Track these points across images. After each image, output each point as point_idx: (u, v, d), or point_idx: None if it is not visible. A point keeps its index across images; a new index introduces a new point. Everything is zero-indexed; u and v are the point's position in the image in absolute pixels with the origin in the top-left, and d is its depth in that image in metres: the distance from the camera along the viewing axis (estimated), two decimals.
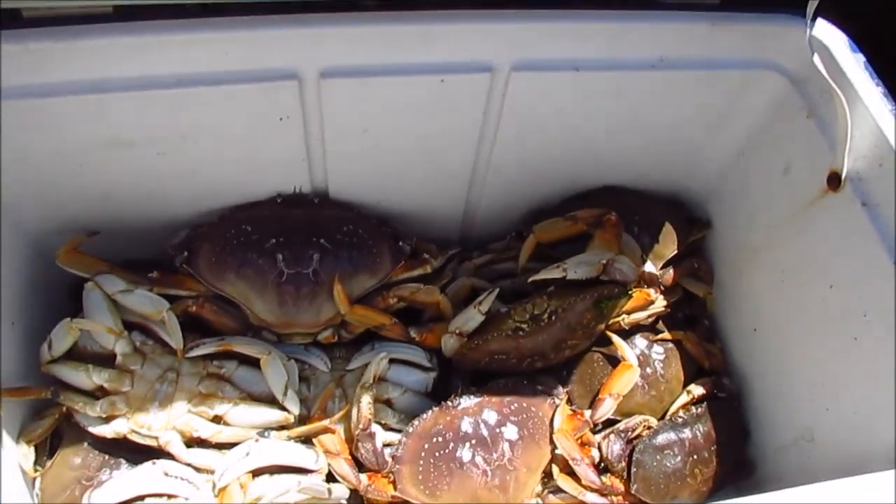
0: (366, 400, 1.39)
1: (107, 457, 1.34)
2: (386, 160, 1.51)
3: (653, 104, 1.48)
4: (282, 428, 1.40)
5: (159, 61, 1.22)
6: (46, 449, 1.37)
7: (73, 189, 1.39)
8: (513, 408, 1.44)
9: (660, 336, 1.57)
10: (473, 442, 1.40)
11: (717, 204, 1.67)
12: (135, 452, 1.34)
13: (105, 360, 1.36)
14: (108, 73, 1.21)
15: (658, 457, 1.43)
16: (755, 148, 1.51)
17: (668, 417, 1.51)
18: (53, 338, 1.32)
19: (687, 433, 1.46)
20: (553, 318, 1.43)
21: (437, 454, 1.39)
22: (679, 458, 1.44)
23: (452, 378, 1.56)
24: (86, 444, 1.34)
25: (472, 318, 1.48)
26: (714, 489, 1.48)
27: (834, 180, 1.27)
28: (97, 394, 1.34)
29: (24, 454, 1.32)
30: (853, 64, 1.26)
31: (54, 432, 1.37)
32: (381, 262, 1.53)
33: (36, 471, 1.33)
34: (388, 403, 1.49)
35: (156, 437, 1.32)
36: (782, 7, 1.37)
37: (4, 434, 1.26)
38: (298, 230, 1.49)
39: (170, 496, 1.27)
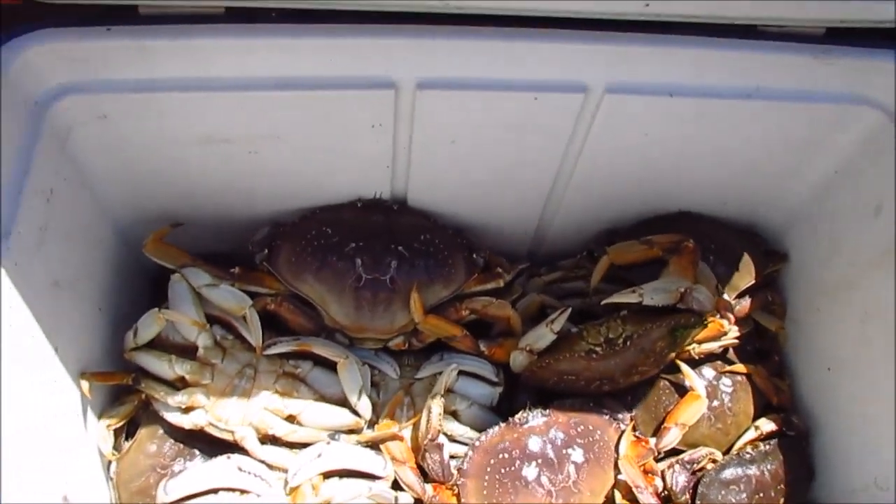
0: (436, 410, 1.40)
1: (182, 447, 1.37)
2: (468, 172, 1.51)
3: (742, 133, 1.46)
4: (351, 432, 1.42)
5: (264, 64, 1.24)
6: (124, 434, 1.40)
7: (163, 181, 1.42)
8: (580, 430, 1.44)
9: (729, 368, 1.56)
10: (540, 461, 1.40)
11: (796, 237, 1.65)
12: (209, 445, 1.37)
13: (185, 351, 1.38)
14: (213, 73, 1.23)
15: (724, 492, 1.42)
16: (844, 184, 1.49)
17: (734, 452, 1.50)
18: (140, 326, 1.35)
19: (754, 470, 1.45)
20: (628, 343, 1.43)
21: (502, 470, 1.39)
22: (744, 494, 1.43)
23: (517, 394, 1.56)
24: (162, 432, 1.37)
25: (543, 336, 1.47)
26: None
27: None
28: (177, 384, 1.37)
29: (102, 437, 1.35)
30: None
31: (132, 419, 1.40)
32: (455, 273, 1.53)
33: (113, 455, 1.36)
34: (455, 415, 1.49)
35: (232, 432, 1.34)
36: (887, 41, 1.35)
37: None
38: (377, 236, 1.50)
39: (243, 491, 1.29)
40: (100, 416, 1.37)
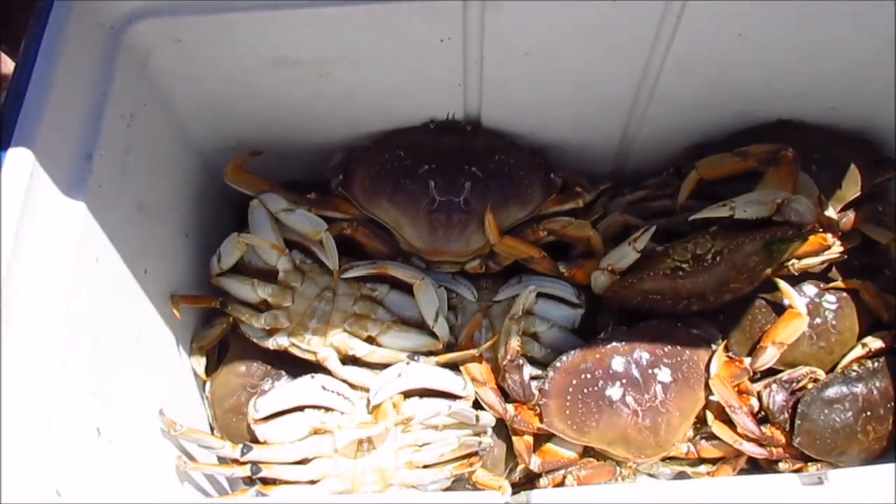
0: (514, 331, 1.38)
1: (269, 367, 1.41)
2: (544, 87, 1.44)
3: (848, 28, 1.32)
4: (430, 353, 1.42)
5: None
6: (216, 355, 1.46)
7: (239, 107, 1.43)
8: (666, 350, 1.39)
9: (833, 284, 1.45)
10: (624, 381, 1.36)
11: None
12: (294, 365, 1.40)
13: (268, 275, 1.42)
14: None
15: (826, 410, 1.34)
16: None
17: (839, 370, 1.41)
18: (222, 251, 1.39)
19: (861, 388, 1.35)
20: (717, 258, 1.35)
21: (585, 390, 1.36)
22: (850, 413, 1.34)
23: (600, 316, 1.52)
24: (250, 353, 1.42)
25: (626, 255, 1.41)
26: (887, 448, 1.37)
27: None
28: (261, 307, 1.41)
29: (196, 359, 1.42)
30: None
31: (222, 342, 1.46)
32: (531, 193, 1.49)
33: (206, 375, 1.42)
34: (535, 337, 1.47)
35: (314, 352, 1.37)
36: None
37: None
38: (451, 158, 1.46)
39: (327, 409, 1.32)
40: (192, 339, 1.43)
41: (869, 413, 1.35)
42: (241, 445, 1.30)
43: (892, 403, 1.36)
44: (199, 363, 1.41)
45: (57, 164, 1.05)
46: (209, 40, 1.26)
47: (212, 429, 1.41)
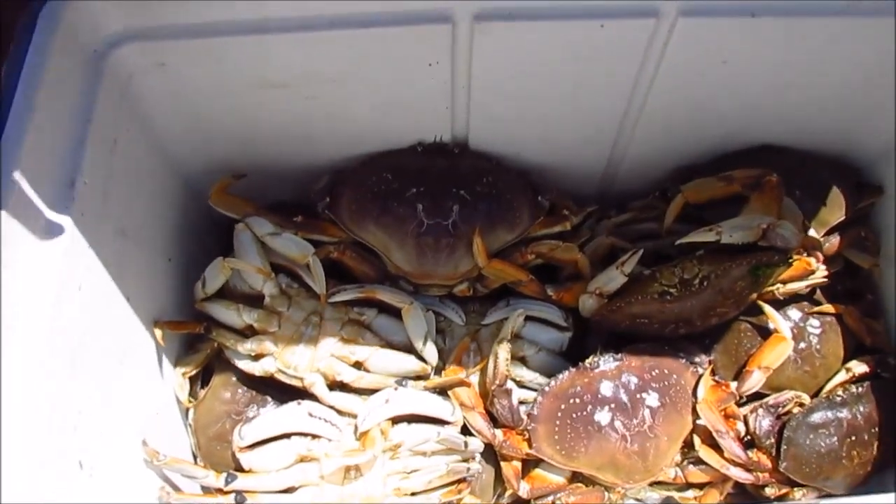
0: (503, 355, 1.37)
1: (254, 393, 1.39)
2: (531, 109, 1.45)
3: (832, 54, 1.34)
4: (418, 378, 1.41)
5: (314, 2, 1.20)
6: (199, 381, 1.44)
7: (225, 130, 1.42)
8: (654, 374, 1.39)
9: (817, 308, 1.47)
10: (613, 406, 1.36)
11: (890, 167, 1.52)
12: (280, 391, 1.39)
13: (253, 300, 1.40)
14: (267, 13, 1.20)
15: (812, 435, 1.35)
16: None
17: (824, 395, 1.42)
18: (207, 275, 1.36)
19: (846, 413, 1.37)
20: (705, 283, 1.35)
21: (574, 415, 1.36)
22: (835, 438, 1.35)
23: (588, 339, 1.52)
24: (235, 379, 1.40)
25: (613, 278, 1.42)
26: (872, 473, 1.38)
27: None
28: (246, 332, 1.39)
29: (179, 385, 1.39)
30: None
31: (206, 367, 1.44)
32: (519, 216, 1.49)
33: (190, 402, 1.40)
34: (523, 361, 1.47)
35: (301, 378, 1.36)
36: None
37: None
38: (438, 180, 1.46)
39: (314, 436, 1.31)
40: (175, 365, 1.40)
41: (854, 438, 1.36)
42: (225, 474, 1.28)
43: (876, 429, 1.37)
44: (183, 390, 1.38)
45: (40, 192, 1.03)
46: (193, 64, 1.25)
47: (195, 457, 1.39)
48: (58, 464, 1.02)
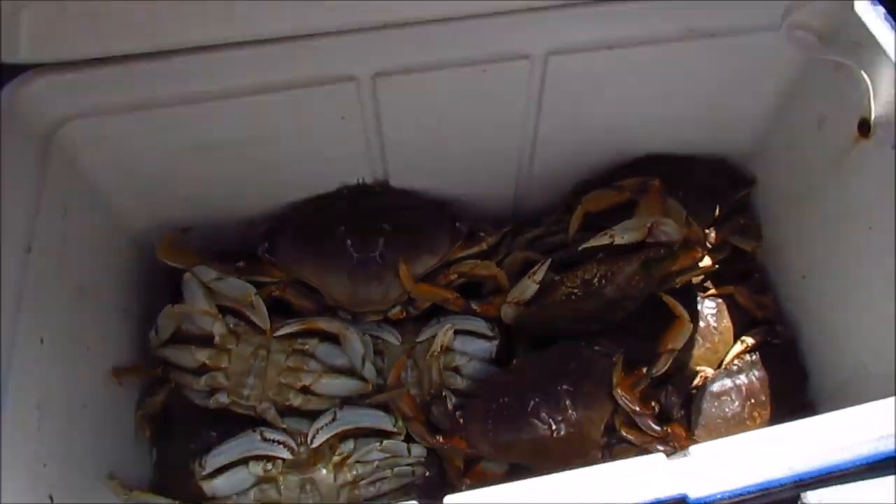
0: (435, 367, 1.52)
1: (212, 426, 1.50)
2: (440, 149, 1.62)
3: (688, 73, 1.54)
4: (362, 396, 1.54)
5: (235, 74, 1.38)
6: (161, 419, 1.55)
7: (167, 189, 1.56)
8: (572, 366, 1.53)
9: (711, 291, 1.64)
10: (537, 400, 1.49)
11: (760, 161, 1.73)
12: (236, 422, 1.49)
13: (205, 341, 1.53)
14: (193, 87, 1.37)
15: (717, 403, 1.50)
16: (790, 104, 1.57)
17: (724, 367, 1.58)
18: (159, 323, 1.50)
19: (742, 379, 1.53)
20: (604, 281, 1.52)
21: (503, 413, 1.49)
22: (737, 402, 1.51)
23: (514, 344, 1.67)
24: (192, 415, 1.51)
25: (527, 287, 1.57)
26: None
27: (864, 127, 1.33)
28: (201, 371, 1.51)
29: (140, 426, 1.51)
30: (873, 16, 1.32)
31: (167, 406, 1.55)
32: (440, 242, 1.65)
33: (152, 440, 1.51)
34: (457, 371, 1.60)
35: (253, 406, 1.48)
36: None
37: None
38: (364, 217, 1.62)
39: (269, 458, 1.43)
40: (136, 406, 1.52)
41: (753, 400, 1.52)
42: None
43: (770, 389, 1.53)
44: (144, 429, 1.50)
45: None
46: (132, 135, 1.40)
47: (160, 491, 1.49)
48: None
